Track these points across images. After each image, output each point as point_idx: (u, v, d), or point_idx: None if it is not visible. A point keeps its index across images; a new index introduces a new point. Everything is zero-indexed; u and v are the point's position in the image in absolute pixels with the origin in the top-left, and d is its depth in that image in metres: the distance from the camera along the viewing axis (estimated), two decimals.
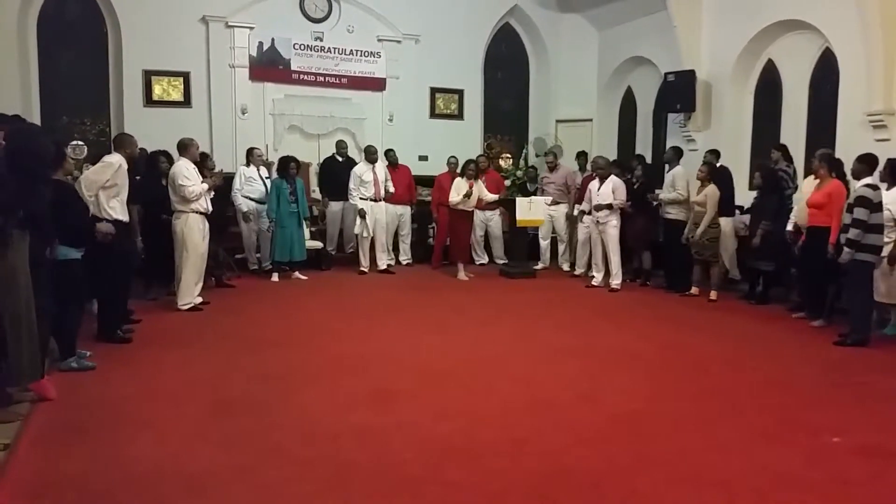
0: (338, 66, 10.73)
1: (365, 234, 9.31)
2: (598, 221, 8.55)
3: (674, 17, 9.64)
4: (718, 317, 7.16)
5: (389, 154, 9.97)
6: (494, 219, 10.16)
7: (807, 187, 6.97)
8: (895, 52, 7.22)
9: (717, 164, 8.40)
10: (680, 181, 8.39)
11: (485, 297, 8.07)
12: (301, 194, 8.74)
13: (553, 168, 10.06)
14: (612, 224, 8.43)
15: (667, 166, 8.82)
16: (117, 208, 5.68)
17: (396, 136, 10.89)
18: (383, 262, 9.56)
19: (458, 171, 9.33)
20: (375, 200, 9.34)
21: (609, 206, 8.37)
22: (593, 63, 12.07)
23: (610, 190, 8.42)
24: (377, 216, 9.37)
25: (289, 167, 8.69)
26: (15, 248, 3.94)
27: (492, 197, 9.31)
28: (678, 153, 8.79)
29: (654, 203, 8.65)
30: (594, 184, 8.65)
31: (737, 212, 8.21)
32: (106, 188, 5.58)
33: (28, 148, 4.14)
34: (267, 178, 9.05)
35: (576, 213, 9.55)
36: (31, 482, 3.24)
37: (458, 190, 8.98)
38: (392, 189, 9.60)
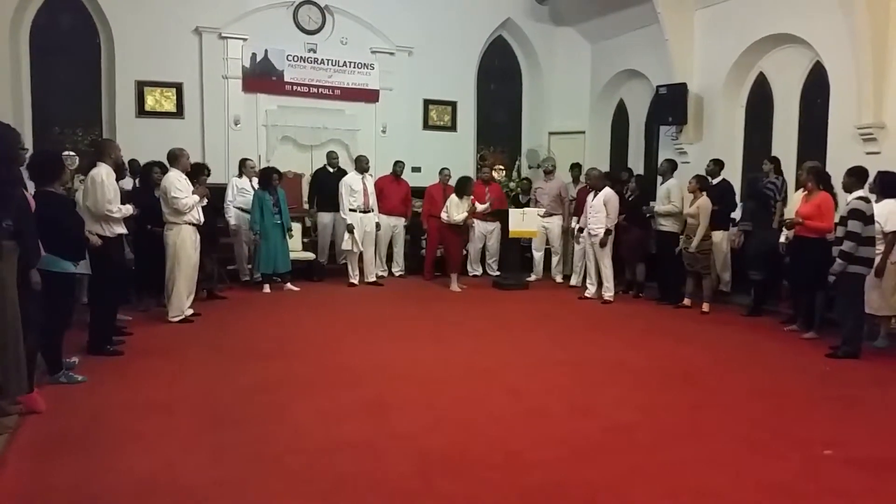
0: (331, 78, 10.75)
1: (355, 250, 9.25)
2: (590, 234, 8.56)
3: (666, 30, 9.71)
4: (711, 329, 7.17)
5: (395, 164, 10.05)
6: (495, 232, 10.15)
7: (796, 200, 7.01)
8: (885, 66, 7.30)
9: (720, 177, 8.44)
10: (675, 193, 8.44)
11: (478, 309, 8.06)
12: (284, 205, 8.72)
13: (549, 173, 10.12)
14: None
15: (660, 179, 8.86)
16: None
17: (389, 147, 10.89)
18: (373, 274, 9.49)
19: (455, 188, 9.27)
20: (364, 211, 9.30)
21: (607, 232, 8.37)
22: (586, 76, 12.14)
23: (602, 202, 8.43)
24: (366, 228, 9.30)
25: (271, 178, 8.68)
26: (5, 261, 3.90)
27: (483, 207, 9.31)
28: (672, 166, 8.81)
29: (648, 215, 8.68)
30: (591, 196, 8.66)
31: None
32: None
33: None
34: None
35: (573, 225, 9.55)
36: (20, 494, 3.21)
37: (457, 208, 8.98)
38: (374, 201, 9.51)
